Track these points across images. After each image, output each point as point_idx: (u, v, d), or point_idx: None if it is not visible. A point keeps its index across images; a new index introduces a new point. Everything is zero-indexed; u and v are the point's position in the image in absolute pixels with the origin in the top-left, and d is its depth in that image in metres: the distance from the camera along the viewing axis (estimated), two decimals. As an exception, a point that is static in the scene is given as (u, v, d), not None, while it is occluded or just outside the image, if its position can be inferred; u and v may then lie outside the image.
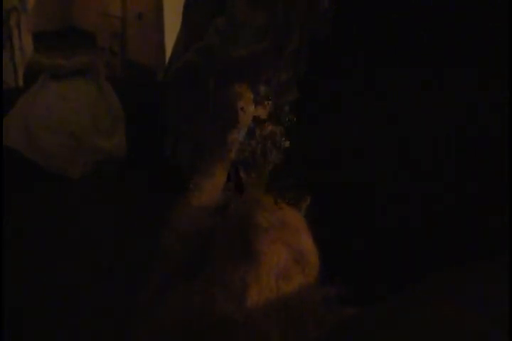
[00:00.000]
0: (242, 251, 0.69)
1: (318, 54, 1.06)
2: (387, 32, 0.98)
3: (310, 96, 1.05)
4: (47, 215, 1.17)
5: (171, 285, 0.75)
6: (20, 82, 2.34)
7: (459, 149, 0.88)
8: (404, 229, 0.91)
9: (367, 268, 0.93)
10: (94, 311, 0.93)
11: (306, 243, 0.73)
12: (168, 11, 3.09)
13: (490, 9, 0.88)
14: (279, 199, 0.78)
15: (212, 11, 1.24)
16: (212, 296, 0.66)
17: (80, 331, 0.91)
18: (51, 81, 1.46)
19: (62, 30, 4.12)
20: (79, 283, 0.99)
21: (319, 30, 1.05)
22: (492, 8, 0.87)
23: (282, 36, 1.08)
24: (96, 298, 0.96)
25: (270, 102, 1.04)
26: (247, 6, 1.15)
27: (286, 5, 1.08)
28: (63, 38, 3.99)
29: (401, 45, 0.96)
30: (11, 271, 0.99)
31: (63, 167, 1.33)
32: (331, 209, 0.97)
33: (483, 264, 0.71)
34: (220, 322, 0.65)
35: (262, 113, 1.00)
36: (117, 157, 1.37)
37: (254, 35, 1.12)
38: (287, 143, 1.04)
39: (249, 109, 0.77)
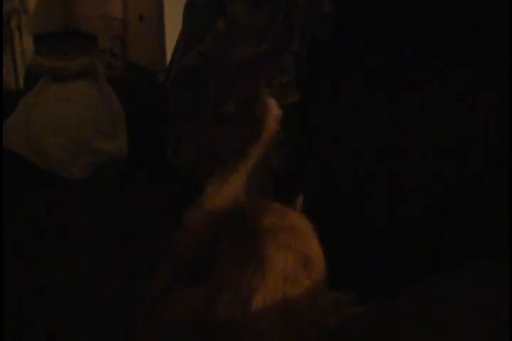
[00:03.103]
0: (250, 255, 0.69)
1: (319, 55, 1.06)
2: (387, 32, 0.98)
3: (310, 97, 1.06)
4: (47, 216, 1.18)
5: (176, 286, 0.75)
6: (21, 84, 2.34)
7: (458, 148, 0.88)
8: (403, 229, 0.91)
9: (366, 269, 0.93)
10: (96, 311, 0.93)
11: (314, 248, 0.73)
12: (169, 13, 3.09)
13: (490, 9, 0.88)
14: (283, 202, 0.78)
15: (213, 13, 1.25)
16: (218, 298, 0.66)
17: (82, 331, 0.91)
18: (52, 83, 1.46)
19: (63, 32, 4.13)
20: (79, 284, 0.99)
21: (320, 31, 1.05)
22: (492, 7, 0.88)
23: (283, 38, 1.08)
24: (97, 299, 0.96)
25: None
26: (247, 7, 1.15)
27: (286, 6, 1.08)
28: (64, 40, 4.00)
29: (402, 44, 0.96)
30: (11, 271, 0.99)
31: (63, 169, 1.33)
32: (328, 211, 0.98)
33: (483, 264, 0.71)
34: (224, 324, 0.65)
35: None
36: (118, 159, 1.37)
37: (254, 36, 1.13)
38: (288, 145, 1.04)
39: (274, 125, 0.77)
